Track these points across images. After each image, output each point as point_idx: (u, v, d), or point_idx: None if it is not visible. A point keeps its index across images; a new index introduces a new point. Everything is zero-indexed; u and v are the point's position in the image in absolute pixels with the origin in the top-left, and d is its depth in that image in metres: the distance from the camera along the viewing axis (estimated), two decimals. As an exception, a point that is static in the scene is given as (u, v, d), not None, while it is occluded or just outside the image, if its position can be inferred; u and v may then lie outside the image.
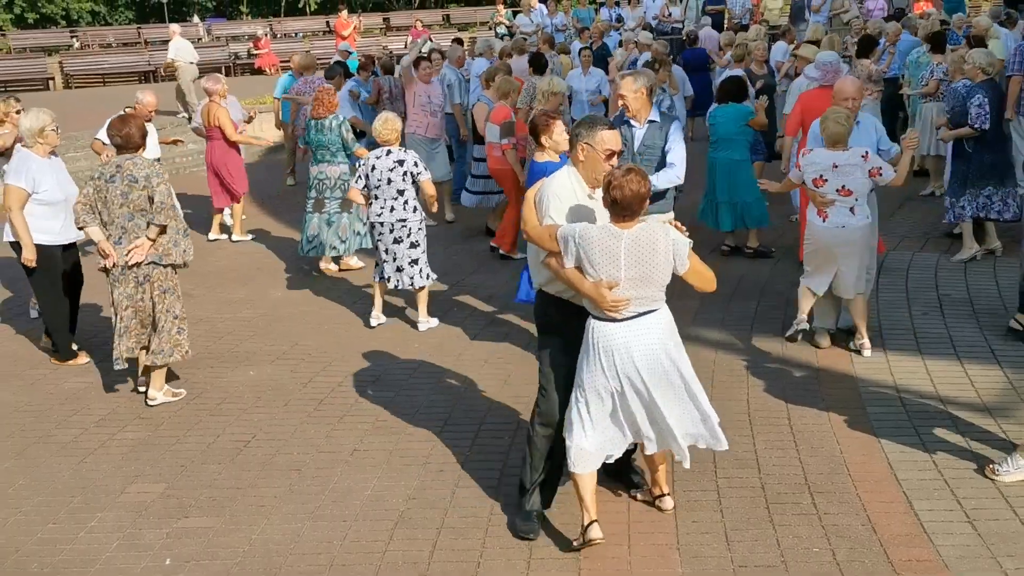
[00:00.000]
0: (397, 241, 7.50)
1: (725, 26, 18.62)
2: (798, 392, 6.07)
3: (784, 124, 9.37)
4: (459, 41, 16.74)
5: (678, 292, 7.63)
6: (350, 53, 16.41)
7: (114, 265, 6.10)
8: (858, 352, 6.57)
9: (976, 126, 8.13)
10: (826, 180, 6.38)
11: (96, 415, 6.28)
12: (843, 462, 5.17)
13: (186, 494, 5.19)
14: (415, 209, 7.48)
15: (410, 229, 7.48)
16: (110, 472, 5.49)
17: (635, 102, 6.18)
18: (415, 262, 7.52)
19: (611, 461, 4.50)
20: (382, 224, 7.53)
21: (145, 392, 6.42)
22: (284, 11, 39.21)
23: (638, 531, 4.59)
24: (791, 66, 12.11)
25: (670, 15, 19.52)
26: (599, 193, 4.33)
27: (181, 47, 18.60)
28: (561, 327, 4.54)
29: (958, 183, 8.50)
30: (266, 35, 28.24)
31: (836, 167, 6.35)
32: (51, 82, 25.60)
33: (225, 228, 10.91)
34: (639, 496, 4.86)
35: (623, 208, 4.09)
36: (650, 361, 4.22)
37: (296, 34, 31.52)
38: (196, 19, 34.13)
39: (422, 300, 7.64)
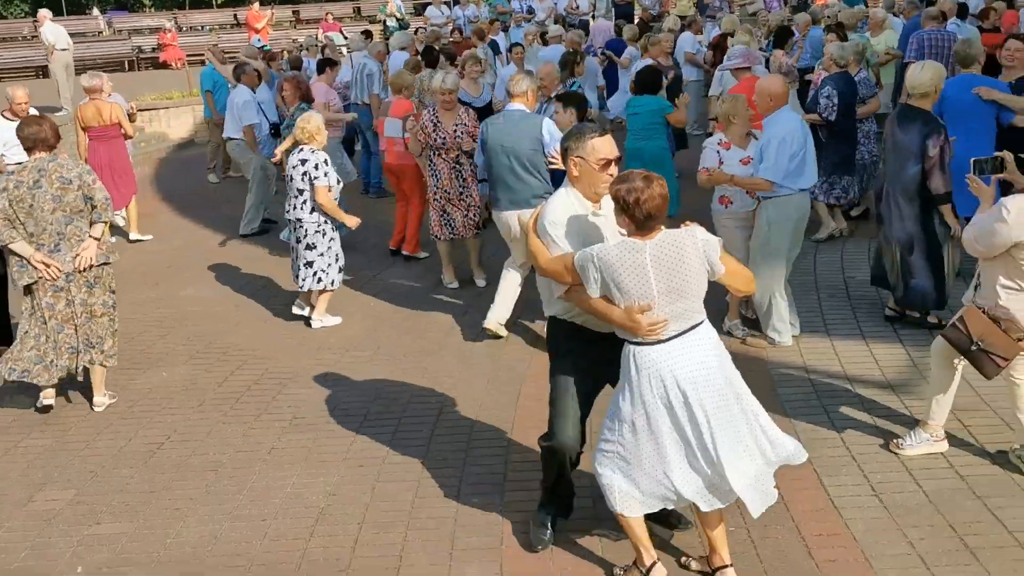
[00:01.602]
0: (298, 240, 7.46)
1: (636, 17, 18.83)
2: (712, 376, 6.19)
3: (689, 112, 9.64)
4: (368, 34, 16.56)
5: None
6: (263, 48, 16.08)
7: (60, 273, 5.85)
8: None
9: (823, 116, 8.33)
10: None
11: None
12: (756, 442, 5.30)
13: (97, 500, 5.06)
14: (312, 211, 7.36)
15: (306, 230, 7.38)
16: (16, 480, 5.31)
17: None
18: (309, 264, 7.42)
19: (652, 509, 3.99)
20: (288, 221, 7.56)
21: (90, 400, 6.26)
22: (189, 3, 38.29)
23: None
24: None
25: (577, 7, 19.64)
26: (605, 208, 4.01)
27: (58, 32, 17.69)
28: (573, 354, 4.20)
29: None
30: (172, 28, 27.54)
31: None
32: (-59, 78, 24.57)
33: (116, 228, 10.62)
34: (693, 565, 4.24)
35: (654, 219, 3.67)
36: (699, 382, 3.73)
37: (202, 27, 30.83)
38: (96, 12, 33.02)
39: (320, 300, 7.57)
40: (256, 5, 22.78)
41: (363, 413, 5.94)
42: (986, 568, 4.10)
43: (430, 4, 21.40)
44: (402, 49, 13.26)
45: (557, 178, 6.60)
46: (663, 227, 3.74)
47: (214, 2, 38.12)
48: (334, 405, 6.09)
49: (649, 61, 10.82)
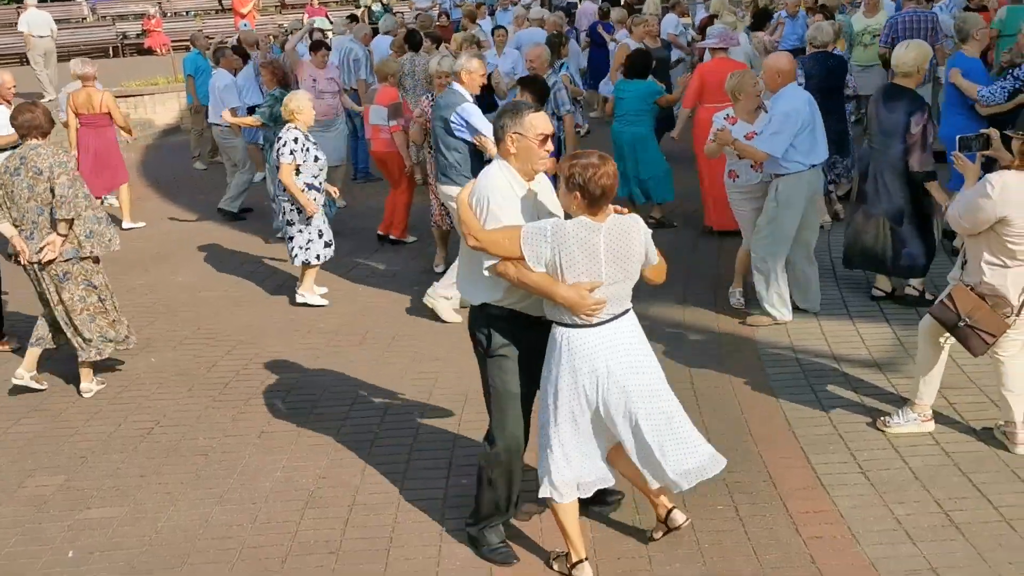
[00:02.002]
0: (282, 215, 7.59)
1: (623, 0, 18.79)
2: (700, 356, 6.23)
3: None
4: (354, 17, 16.47)
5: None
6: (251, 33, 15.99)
7: (29, 262, 5.90)
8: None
9: None
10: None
11: (-12, 409, 6.07)
12: (744, 422, 5.34)
13: (88, 485, 5.06)
14: (284, 188, 7.43)
15: (284, 208, 7.50)
16: (6, 466, 5.31)
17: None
18: (291, 239, 7.51)
19: (588, 494, 4.07)
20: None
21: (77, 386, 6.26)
22: (174, -11, 37.94)
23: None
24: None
25: (565, -11, 19.58)
26: (539, 185, 4.01)
27: (32, 19, 17.62)
28: (511, 347, 4.07)
29: None
30: (156, 14, 27.32)
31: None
32: (-75, 66, 24.37)
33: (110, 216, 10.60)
34: (658, 535, 4.29)
35: (606, 197, 3.70)
36: (629, 368, 3.83)
37: (187, 12, 30.59)
38: (80, -2, 32.70)
39: (305, 276, 7.64)
40: (244, -13, 22.60)
41: (352, 397, 5.95)
42: (971, 543, 4.14)
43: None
44: (387, 33, 13.19)
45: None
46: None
47: (199, -13, 37.77)
48: (323, 389, 6.09)
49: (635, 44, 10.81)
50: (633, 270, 3.84)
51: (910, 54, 6.33)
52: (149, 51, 25.47)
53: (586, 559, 4.07)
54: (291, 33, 15.34)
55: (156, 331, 7.30)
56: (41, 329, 6.19)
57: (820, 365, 6.02)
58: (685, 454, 3.91)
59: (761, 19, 11.64)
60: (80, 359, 6.15)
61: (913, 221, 6.52)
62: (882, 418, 5.17)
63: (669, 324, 6.82)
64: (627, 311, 3.92)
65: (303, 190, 7.32)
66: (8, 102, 8.71)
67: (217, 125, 10.55)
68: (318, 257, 7.50)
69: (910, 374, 5.76)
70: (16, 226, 5.93)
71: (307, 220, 7.43)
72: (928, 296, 6.74)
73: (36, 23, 17.43)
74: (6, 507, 4.88)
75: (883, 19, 11.41)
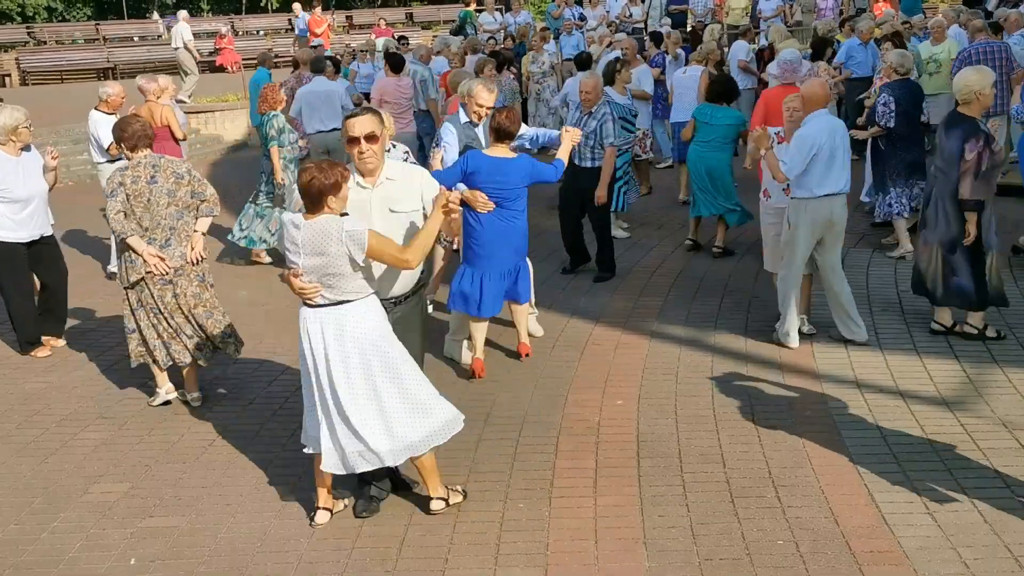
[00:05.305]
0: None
1: (688, 26, 18.77)
2: (761, 387, 6.14)
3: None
4: (403, 39, 16.74)
5: (641, 290, 7.73)
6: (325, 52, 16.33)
7: (165, 270, 5.91)
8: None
9: (881, 124, 8.31)
10: None
11: (57, 415, 6.20)
12: (806, 456, 5.24)
13: (150, 494, 5.15)
14: None
15: None
16: (72, 472, 5.42)
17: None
18: None
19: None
20: None
21: (184, 398, 6.30)
22: (245, 8, 38.79)
23: (604, 526, 4.62)
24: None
25: (631, 15, 19.56)
26: (377, 181, 4.69)
27: (174, 32, 19.12)
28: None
29: (879, 182, 8.76)
30: (228, 33, 27.96)
31: None
32: (7, 79, 25.18)
33: None
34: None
35: (309, 199, 4.30)
36: (337, 352, 4.42)
37: (258, 32, 31.26)
38: (156, 16, 33.60)
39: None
40: (318, 10, 23.12)
41: (411, 416, 5.96)
42: (1042, 591, 4.02)
43: (484, 11, 21.47)
44: (437, 54, 13.39)
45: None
46: (332, 212, 4.32)
47: (269, 7, 38.61)
48: (382, 407, 6.11)
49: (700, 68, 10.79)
50: (336, 266, 4.30)
51: (969, 77, 6.31)
52: (221, 68, 26.07)
53: (324, 510, 4.75)
54: (363, 52, 15.62)
55: (220, 344, 7.40)
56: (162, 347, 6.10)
57: (885, 400, 5.89)
58: (387, 435, 4.50)
59: (818, 48, 11.55)
60: (198, 362, 6.21)
61: (966, 251, 6.46)
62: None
63: (730, 354, 6.74)
64: (347, 302, 4.41)
65: None
66: (115, 112, 9.08)
67: (320, 132, 10.86)
68: None
69: (979, 412, 5.63)
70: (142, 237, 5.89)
71: None
72: (990, 333, 6.60)
73: (173, 37, 19.29)
74: (72, 512, 4.99)
75: (948, 47, 11.23)
